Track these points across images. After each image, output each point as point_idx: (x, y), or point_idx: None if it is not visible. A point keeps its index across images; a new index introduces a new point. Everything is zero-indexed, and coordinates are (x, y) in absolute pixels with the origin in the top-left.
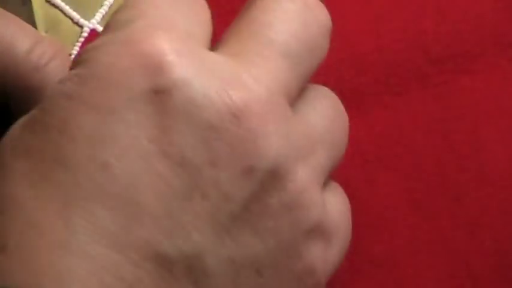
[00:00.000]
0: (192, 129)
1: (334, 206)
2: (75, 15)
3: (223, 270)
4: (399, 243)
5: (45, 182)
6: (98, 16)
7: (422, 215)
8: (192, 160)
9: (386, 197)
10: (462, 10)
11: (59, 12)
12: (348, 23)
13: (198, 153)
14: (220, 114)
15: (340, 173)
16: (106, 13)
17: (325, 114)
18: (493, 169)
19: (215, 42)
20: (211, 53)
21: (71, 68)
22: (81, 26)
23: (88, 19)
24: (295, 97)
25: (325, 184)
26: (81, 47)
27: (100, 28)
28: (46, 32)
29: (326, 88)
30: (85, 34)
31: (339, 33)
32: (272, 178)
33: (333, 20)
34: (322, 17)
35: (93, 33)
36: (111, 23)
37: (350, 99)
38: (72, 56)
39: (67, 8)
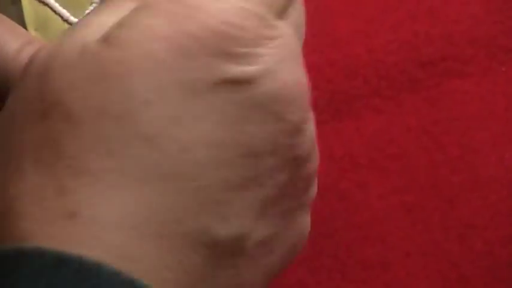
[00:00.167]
0: (269, 120)
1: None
2: (65, 12)
3: (256, 251)
4: (391, 245)
5: (125, 156)
6: None
7: (413, 217)
8: (258, 150)
9: (378, 200)
10: (454, 13)
11: (48, 10)
12: (339, 25)
13: (264, 143)
14: (301, 112)
15: (332, 176)
16: None
17: None
18: (484, 171)
19: None
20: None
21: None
22: (70, 24)
23: (78, 17)
24: None
25: None
26: None
27: None
28: (36, 30)
29: None
30: None
31: (329, 35)
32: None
33: (324, 21)
34: None
35: None
36: None
37: (341, 102)
38: None
39: (56, 6)
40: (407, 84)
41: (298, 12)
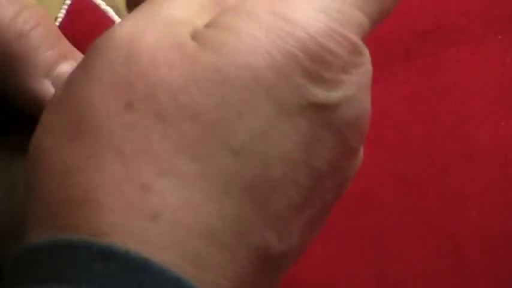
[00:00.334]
0: (338, 145)
1: None
2: None
3: (290, 264)
4: (385, 215)
5: (210, 163)
6: None
7: (408, 187)
8: (322, 172)
9: (372, 170)
10: None
11: None
12: None
13: (328, 166)
14: (362, 138)
15: None
16: None
17: None
18: (479, 140)
19: None
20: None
21: None
22: None
23: None
24: None
25: None
26: (67, 10)
27: None
28: None
29: None
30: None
31: None
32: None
33: None
34: None
35: None
36: None
37: None
38: (59, 20)
39: None
40: (402, 54)
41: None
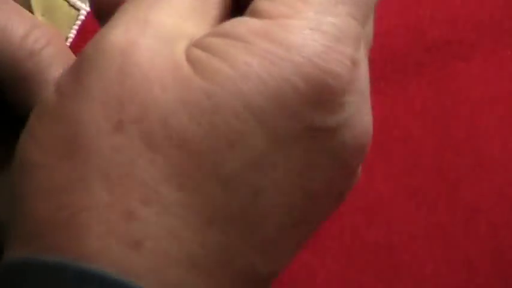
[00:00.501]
0: (335, 167)
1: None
2: None
3: (276, 275)
4: (396, 229)
5: (197, 193)
6: None
7: (419, 201)
8: (317, 193)
9: (383, 183)
10: None
11: None
12: None
13: (323, 186)
14: (362, 158)
15: None
16: None
17: None
18: (489, 155)
19: None
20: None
21: None
22: (77, 9)
23: (85, 2)
24: None
25: None
26: (77, 31)
27: None
28: (43, 15)
29: None
30: (82, 17)
31: None
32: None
33: None
34: None
35: (90, 16)
36: None
37: None
38: (69, 40)
39: None
40: (412, 68)
41: (370, 26)
